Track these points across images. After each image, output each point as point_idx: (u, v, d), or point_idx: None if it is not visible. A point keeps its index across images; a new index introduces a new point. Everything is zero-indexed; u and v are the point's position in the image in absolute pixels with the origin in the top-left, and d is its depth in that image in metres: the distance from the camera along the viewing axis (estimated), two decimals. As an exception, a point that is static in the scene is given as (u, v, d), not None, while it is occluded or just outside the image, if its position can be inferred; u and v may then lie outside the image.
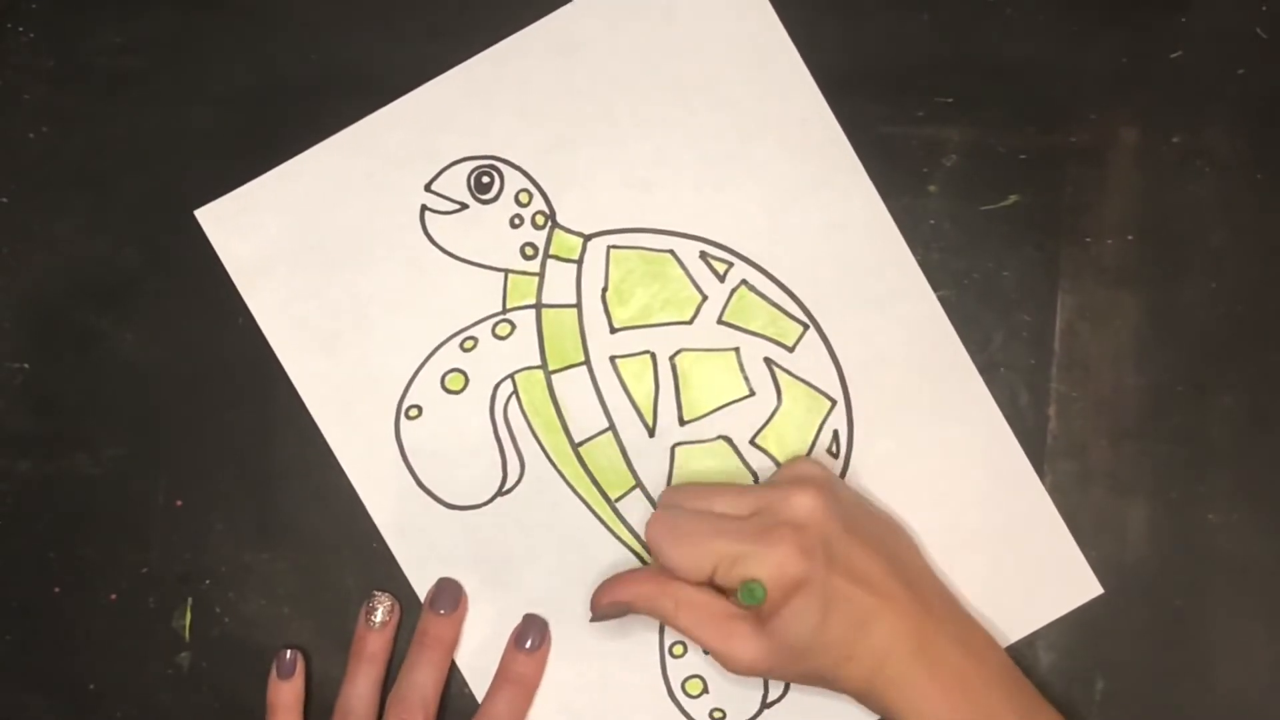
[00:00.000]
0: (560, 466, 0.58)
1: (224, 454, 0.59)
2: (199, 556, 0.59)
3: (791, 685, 0.57)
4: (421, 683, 0.56)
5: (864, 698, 0.53)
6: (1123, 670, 0.57)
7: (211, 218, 0.58)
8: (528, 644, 0.57)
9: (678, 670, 0.58)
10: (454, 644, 0.57)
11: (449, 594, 0.57)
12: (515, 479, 0.58)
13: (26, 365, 0.59)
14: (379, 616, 0.57)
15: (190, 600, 0.59)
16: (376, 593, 0.58)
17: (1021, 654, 0.57)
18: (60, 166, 0.59)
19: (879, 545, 0.53)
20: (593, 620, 0.55)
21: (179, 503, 0.59)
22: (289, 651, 0.58)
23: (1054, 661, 0.57)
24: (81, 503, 0.59)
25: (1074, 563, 0.57)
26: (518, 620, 0.58)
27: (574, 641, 0.58)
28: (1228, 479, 0.58)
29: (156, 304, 0.59)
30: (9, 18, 0.59)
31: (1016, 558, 0.57)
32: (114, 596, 0.59)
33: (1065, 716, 0.53)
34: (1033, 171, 0.58)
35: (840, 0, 0.58)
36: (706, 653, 0.56)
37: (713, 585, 0.53)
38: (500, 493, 0.58)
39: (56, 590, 0.59)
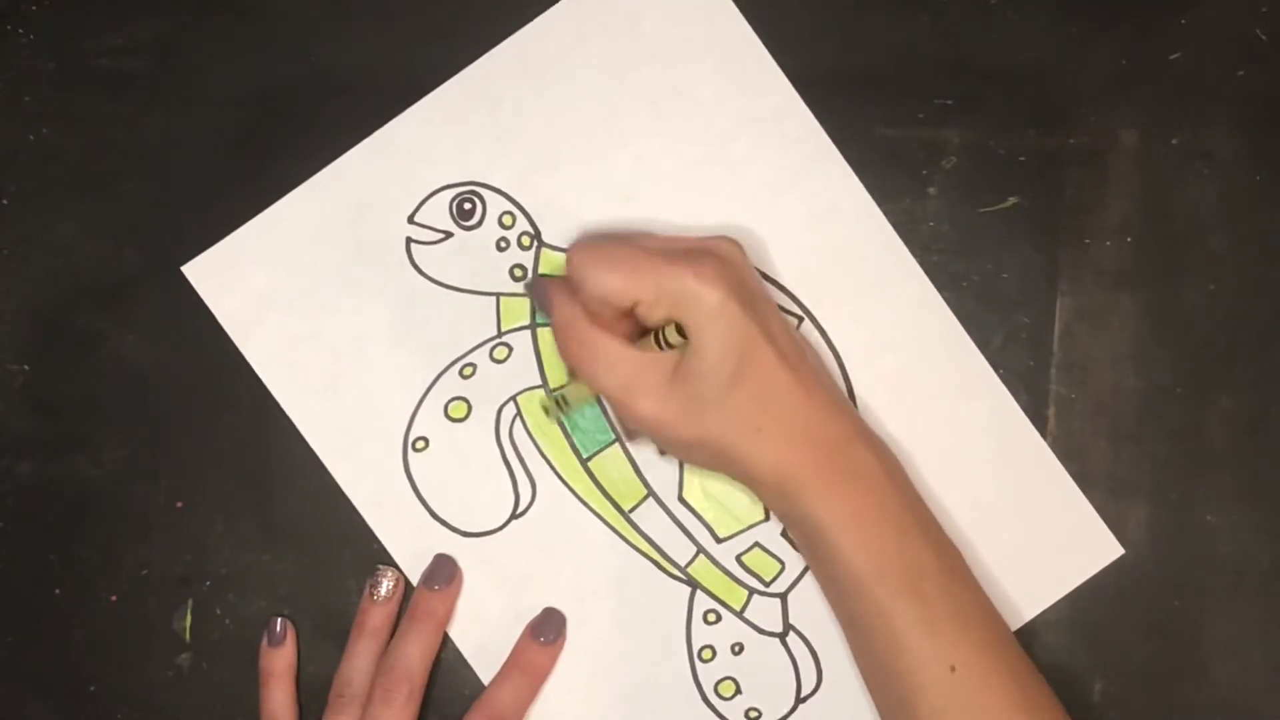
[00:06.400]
0: (571, 483, 0.58)
1: (224, 455, 0.59)
2: (199, 558, 0.59)
3: (823, 674, 0.58)
4: (409, 654, 0.56)
5: (773, 493, 0.52)
6: (1122, 670, 0.57)
7: (199, 272, 0.59)
8: (543, 638, 0.57)
9: (708, 674, 0.58)
10: (446, 618, 0.58)
11: (443, 571, 0.57)
12: (528, 501, 0.58)
13: (27, 367, 0.59)
14: (383, 590, 0.57)
15: (191, 601, 0.59)
16: (380, 567, 0.58)
17: (1021, 655, 0.57)
18: (60, 168, 0.59)
19: (790, 325, 0.55)
20: (524, 286, 0.58)
21: (179, 504, 0.59)
22: (279, 620, 0.58)
23: (1053, 662, 0.58)
24: (82, 504, 0.59)
25: (1092, 526, 0.58)
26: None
27: (603, 655, 0.58)
28: (1227, 480, 0.58)
29: (157, 305, 0.59)
30: (9, 20, 0.59)
31: (1035, 528, 0.58)
32: (114, 598, 0.59)
33: (993, 665, 0.53)
34: (1032, 173, 0.58)
35: (839, 2, 0.58)
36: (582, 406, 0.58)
37: (621, 327, 0.53)
38: (514, 516, 0.58)
39: (57, 591, 0.59)
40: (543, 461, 0.59)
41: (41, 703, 0.59)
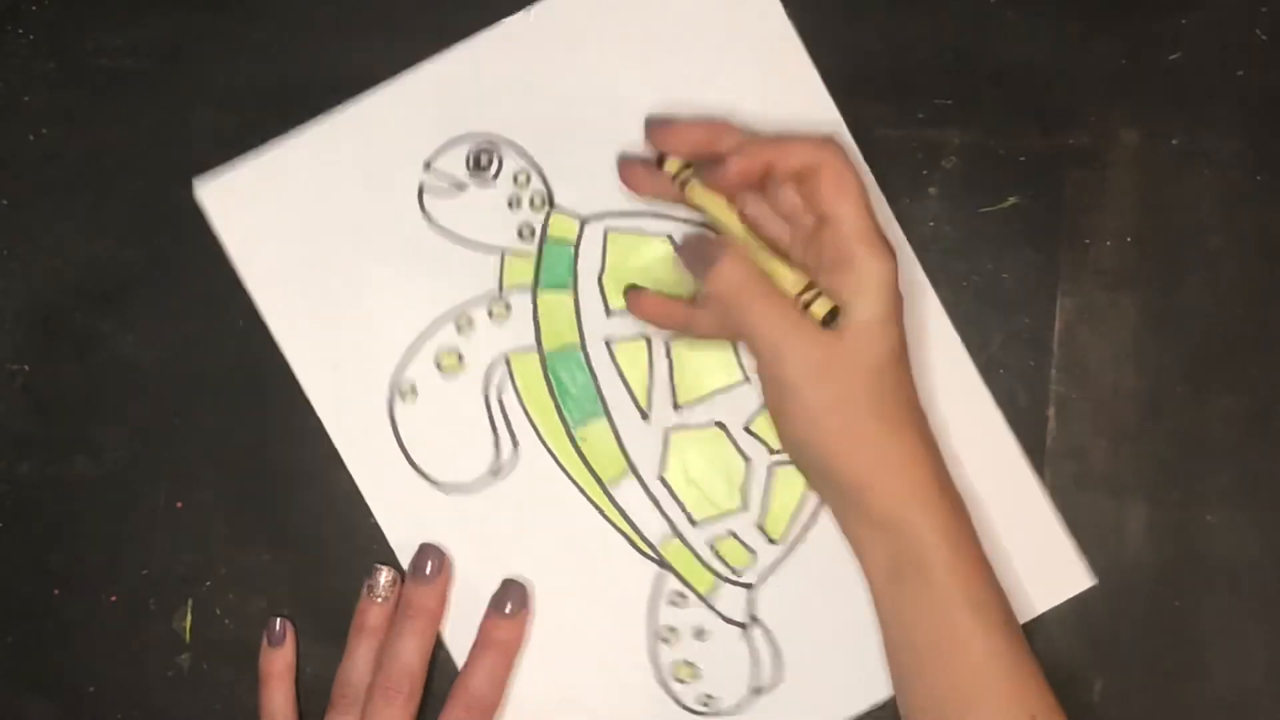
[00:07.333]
0: (554, 449, 0.58)
1: (224, 455, 0.59)
2: (199, 558, 0.59)
3: (782, 668, 0.57)
4: (405, 654, 0.56)
5: (880, 495, 0.51)
6: (1123, 670, 0.58)
7: (210, 193, 0.58)
8: (507, 608, 0.57)
9: (667, 656, 0.58)
10: (438, 613, 0.57)
11: (430, 560, 0.57)
12: (508, 461, 0.58)
13: (27, 366, 0.59)
14: (381, 589, 0.57)
15: (190, 602, 0.59)
16: (378, 566, 0.58)
17: (1021, 654, 0.57)
18: (60, 168, 0.59)
19: None
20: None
21: (179, 504, 0.59)
22: (278, 620, 0.58)
23: (1054, 661, 0.57)
24: (82, 504, 0.59)
25: (1066, 555, 0.57)
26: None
27: (563, 625, 0.58)
28: (1227, 479, 0.58)
29: (156, 305, 0.59)
30: (10, 20, 0.59)
31: (1009, 549, 0.57)
32: (114, 598, 0.59)
33: (1065, 717, 0.53)
34: (1032, 173, 0.58)
35: (840, 2, 0.58)
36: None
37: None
38: (492, 474, 0.58)
39: (56, 591, 0.59)
40: (527, 424, 0.58)
41: (41, 703, 0.59)
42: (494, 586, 0.58)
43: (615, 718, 0.58)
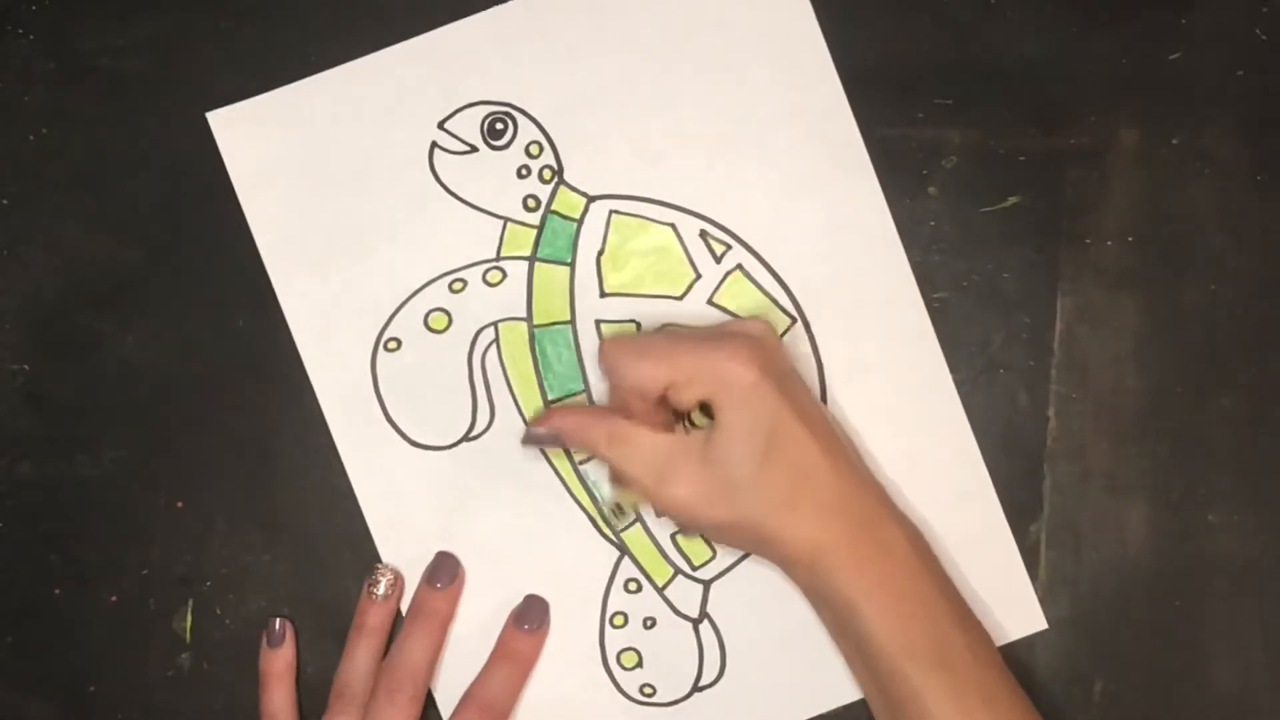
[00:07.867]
0: (529, 420, 0.58)
1: (224, 455, 0.59)
2: (199, 558, 0.59)
3: (726, 668, 0.57)
4: (413, 654, 0.56)
5: (805, 571, 0.52)
6: (1123, 670, 0.57)
7: (222, 123, 0.58)
8: (526, 625, 0.57)
9: (615, 640, 0.58)
10: (449, 618, 0.58)
11: (446, 568, 0.58)
12: (483, 426, 0.58)
13: (27, 366, 0.59)
14: (381, 589, 0.57)
15: (191, 602, 0.59)
16: (379, 565, 0.58)
17: (1020, 654, 0.57)
18: (61, 168, 0.59)
19: (819, 403, 0.55)
20: (523, 443, 0.57)
21: (179, 504, 0.59)
22: (278, 620, 0.58)
23: (1054, 661, 0.58)
24: (82, 504, 0.59)
25: (1023, 593, 0.57)
26: (461, 566, 0.58)
27: (515, 598, 0.58)
28: (1228, 479, 0.58)
29: (157, 305, 0.59)
30: (10, 20, 0.59)
31: (968, 581, 0.57)
32: (114, 598, 0.59)
33: (1065, 717, 0.53)
34: (1032, 173, 0.58)
35: (839, 2, 0.58)
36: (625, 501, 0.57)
37: (655, 419, 0.53)
38: (466, 438, 0.58)
39: (56, 591, 0.59)
40: (507, 393, 0.58)
41: (41, 703, 0.59)
42: (449, 548, 0.58)
43: (554, 693, 0.58)
